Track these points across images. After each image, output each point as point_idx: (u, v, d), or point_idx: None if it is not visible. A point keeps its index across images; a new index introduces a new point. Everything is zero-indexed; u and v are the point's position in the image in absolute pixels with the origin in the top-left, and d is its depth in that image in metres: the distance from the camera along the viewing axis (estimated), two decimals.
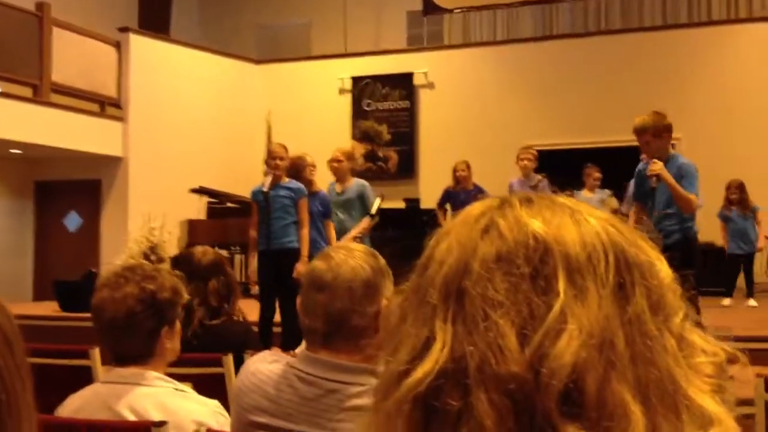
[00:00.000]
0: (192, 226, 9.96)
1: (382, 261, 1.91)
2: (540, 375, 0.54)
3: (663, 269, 0.62)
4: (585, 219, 0.61)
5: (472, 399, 0.54)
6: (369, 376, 1.81)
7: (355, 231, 6.63)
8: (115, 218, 10.58)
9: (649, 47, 10.74)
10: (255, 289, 8.21)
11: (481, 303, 0.57)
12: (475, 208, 0.64)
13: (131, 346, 2.06)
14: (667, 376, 0.57)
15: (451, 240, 0.62)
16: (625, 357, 0.56)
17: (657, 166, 4.87)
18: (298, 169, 6.25)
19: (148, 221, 9.99)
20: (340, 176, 6.91)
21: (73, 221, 11.00)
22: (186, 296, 2.20)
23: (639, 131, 5.06)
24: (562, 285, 0.57)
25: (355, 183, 7.02)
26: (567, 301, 0.56)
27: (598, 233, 0.60)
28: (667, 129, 5.15)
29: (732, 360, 0.61)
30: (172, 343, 2.14)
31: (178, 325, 2.17)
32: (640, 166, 5.32)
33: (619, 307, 0.57)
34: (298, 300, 1.89)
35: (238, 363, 3.13)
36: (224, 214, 10.60)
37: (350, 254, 1.86)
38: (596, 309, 0.56)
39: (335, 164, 6.90)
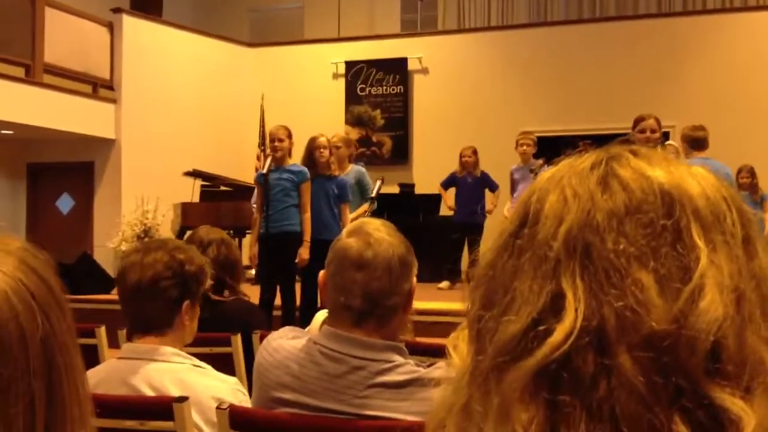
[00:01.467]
0: (185, 209, 9.89)
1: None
2: (687, 332, 0.52)
3: None
4: (698, 172, 0.60)
5: (616, 358, 0.52)
6: (393, 352, 1.81)
7: (354, 215, 6.59)
8: (108, 201, 10.52)
9: (643, 35, 10.73)
10: (250, 273, 8.21)
11: (614, 257, 0.55)
12: (583, 160, 0.62)
13: (152, 314, 2.05)
14: None
15: (564, 192, 0.59)
16: (757, 312, 0.54)
17: None
18: (309, 150, 6.15)
19: (141, 204, 9.96)
20: (338, 163, 6.86)
21: (65, 203, 10.94)
22: (210, 281, 2.19)
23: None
24: (698, 238, 0.55)
25: (354, 169, 6.99)
26: (707, 254, 0.55)
27: (715, 186, 0.59)
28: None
29: None
30: (191, 322, 2.13)
31: (198, 308, 2.16)
32: None
33: (747, 261, 0.56)
34: (325, 277, 1.85)
35: (246, 342, 3.13)
36: (217, 197, 10.55)
37: (380, 230, 1.83)
38: (730, 263, 0.55)
39: (334, 150, 6.85)
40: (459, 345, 0.65)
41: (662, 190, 0.57)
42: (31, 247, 0.86)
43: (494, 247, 0.63)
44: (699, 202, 0.57)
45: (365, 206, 6.80)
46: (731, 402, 0.51)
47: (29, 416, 0.76)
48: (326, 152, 6.15)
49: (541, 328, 0.55)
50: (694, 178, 0.59)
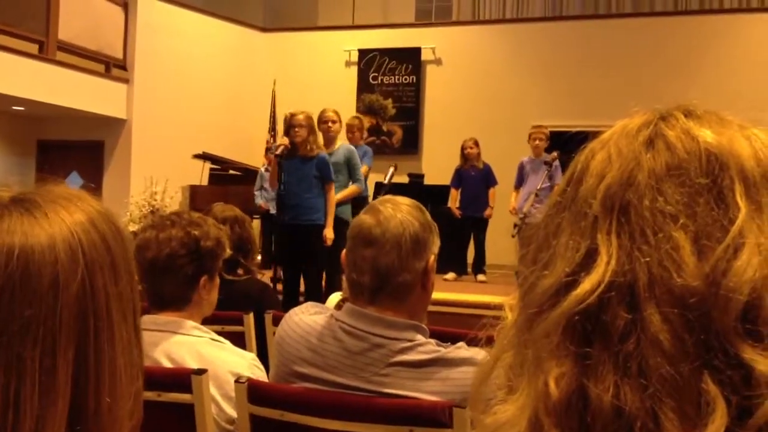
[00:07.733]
0: (194, 191, 9.90)
1: (428, 215, 1.89)
2: (719, 290, 0.52)
3: None
4: (755, 134, 0.59)
5: (644, 314, 0.52)
6: (415, 332, 1.80)
7: (340, 195, 6.25)
8: (117, 181, 10.51)
9: (660, 32, 10.68)
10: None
11: (650, 215, 0.55)
12: (633, 122, 0.62)
13: (169, 289, 2.05)
14: None
15: (609, 151, 0.60)
16: None
17: None
18: (285, 129, 6.16)
19: (150, 185, 9.96)
20: (327, 140, 6.51)
21: (74, 182, 10.94)
22: (229, 251, 2.18)
23: None
24: (741, 198, 0.55)
25: (342, 147, 6.61)
26: (748, 215, 0.54)
27: None
28: None
29: None
30: (209, 296, 2.12)
31: (217, 279, 2.15)
32: None
33: None
34: (344, 254, 1.86)
35: (258, 321, 3.12)
36: (226, 180, 10.54)
37: (398, 208, 1.83)
38: None
39: (330, 125, 6.59)
40: (513, 304, 0.66)
41: (708, 150, 0.57)
42: (106, 211, 0.85)
43: (546, 207, 0.64)
44: (747, 162, 0.56)
45: (354, 188, 6.54)
46: (764, 363, 0.50)
47: (49, 360, 0.74)
48: (302, 131, 5.79)
49: (569, 279, 0.55)
50: (747, 140, 0.58)
